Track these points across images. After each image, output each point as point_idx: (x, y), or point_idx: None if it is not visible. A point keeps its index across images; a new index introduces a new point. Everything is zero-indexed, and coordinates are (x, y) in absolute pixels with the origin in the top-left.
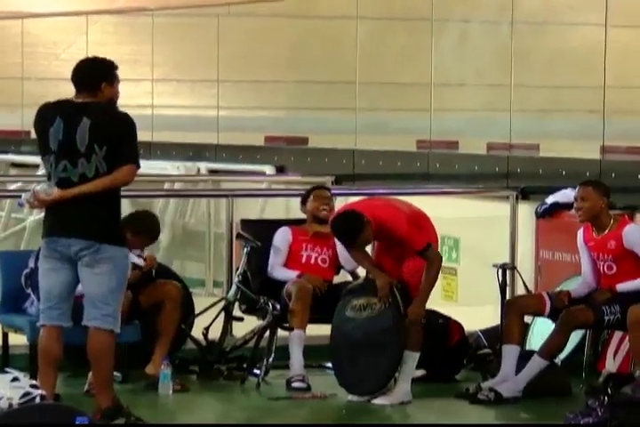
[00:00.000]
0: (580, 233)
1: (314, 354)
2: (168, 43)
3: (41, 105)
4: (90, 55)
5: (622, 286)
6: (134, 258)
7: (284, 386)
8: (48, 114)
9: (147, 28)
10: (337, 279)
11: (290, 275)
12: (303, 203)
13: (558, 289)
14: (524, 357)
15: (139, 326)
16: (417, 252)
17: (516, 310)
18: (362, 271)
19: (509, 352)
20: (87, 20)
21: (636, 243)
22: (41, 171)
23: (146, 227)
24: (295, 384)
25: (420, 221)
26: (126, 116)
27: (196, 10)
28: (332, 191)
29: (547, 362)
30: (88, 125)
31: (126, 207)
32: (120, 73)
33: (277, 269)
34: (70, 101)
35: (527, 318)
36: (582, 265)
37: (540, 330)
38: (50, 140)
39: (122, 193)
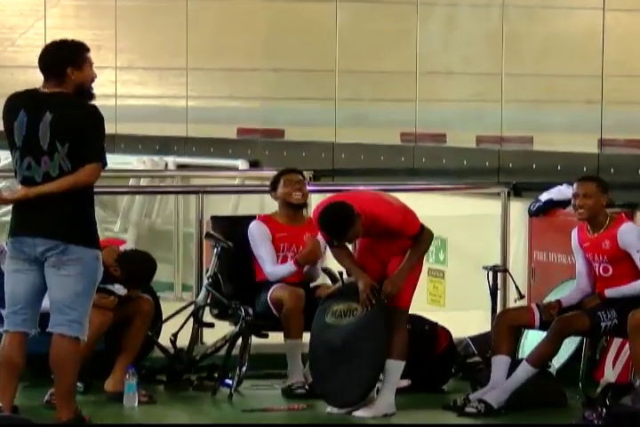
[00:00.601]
0: (574, 233)
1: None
2: (133, 27)
3: (10, 95)
4: (49, 40)
5: (612, 292)
6: (116, 285)
7: (259, 397)
8: (14, 106)
9: (110, 11)
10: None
11: (286, 272)
12: (273, 189)
13: (551, 295)
14: (517, 367)
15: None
16: (413, 236)
17: (504, 323)
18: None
19: (499, 363)
20: (45, 2)
21: (630, 243)
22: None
23: (138, 275)
24: (298, 391)
25: (408, 210)
26: (91, 109)
27: None
28: (310, 188)
29: (535, 370)
30: (49, 121)
31: None
32: None
33: (275, 268)
34: (36, 91)
35: None
36: (577, 268)
37: (534, 339)
38: (14, 134)
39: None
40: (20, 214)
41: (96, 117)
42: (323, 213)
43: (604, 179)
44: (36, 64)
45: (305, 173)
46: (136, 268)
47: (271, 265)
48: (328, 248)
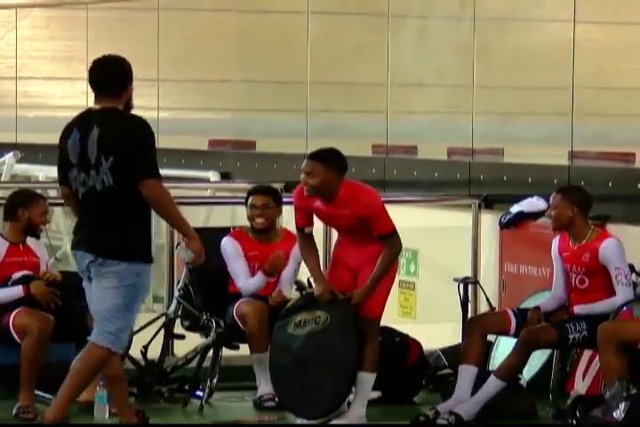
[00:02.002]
0: (555, 242)
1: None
2: (104, 39)
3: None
4: (20, 51)
5: (581, 309)
6: None
7: (230, 409)
8: (68, 126)
9: (81, 22)
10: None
11: (257, 284)
12: (245, 206)
13: (523, 305)
14: (486, 378)
15: (73, 346)
16: (383, 235)
17: (477, 329)
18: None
19: (465, 373)
20: (16, 13)
21: (609, 259)
22: None
23: None
24: (267, 404)
25: (386, 211)
26: (139, 123)
27: (135, 3)
28: (282, 199)
29: (503, 383)
30: (97, 135)
31: (59, 215)
32: (53, 71)
33: (247, 282)
34: (88, 110)
35: (490, 337)
36: (554, 276)
37: (504, 350)
38: (69, 153)
39: (53, 201)
40: (76, 230)
41: (141, 130)
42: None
43: (584, 190)
44: (7, 75)
45: (276, 184)
46: None
47: (243, 280)
48: (302, 262)
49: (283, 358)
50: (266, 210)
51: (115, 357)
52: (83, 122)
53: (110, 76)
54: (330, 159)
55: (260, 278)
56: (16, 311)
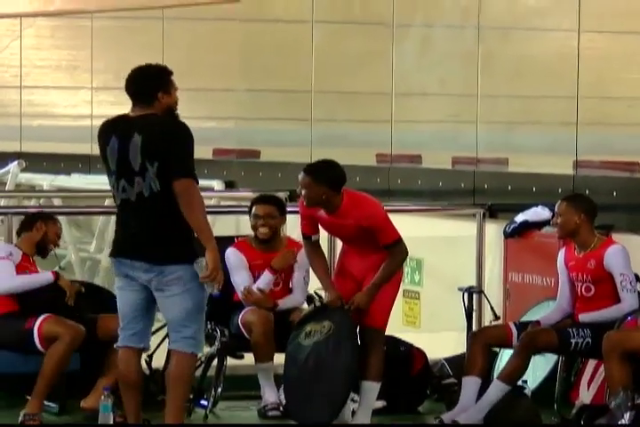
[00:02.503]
0: (561, 253)
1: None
2: (109, 48)
3: (101, 124)
4: (25, 60)
5: (585, 317)
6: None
7: (235, 418)
8: (105, 132)
9: (86, 31)
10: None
11: (268, 277)
12: (249, 215)
13: (526, 316)
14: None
15: (78, 356)
16: (388, 245)
17: (480, 342)
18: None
19: (469, 384)
20: (21, 22)
21: (615, 266)
22: None
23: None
24: (271, 413)
25: (389, 220)
26: (179, 126)
27: (140, 12)
28: (286, 209)
29: (507, 387)
30: (140, 142)
31: (63, 225)
32: (57, 80)
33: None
34: (126, 117)
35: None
36: (560, 288)
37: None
38: (109, 160)
39: (58, 210)
40: (117, 235)
41: (182, 133)
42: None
43: (589, 198)
44: (12, 84)
45: (280, 193)
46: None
47: (244, 286)
48: (310, 270)
49: (292, 368)
50: (269, 219)
51: (136, 363)
52: (120, 128)
53: (140, 85)
54: (319, 173)
55: (266, 277)
56: (44, 317)
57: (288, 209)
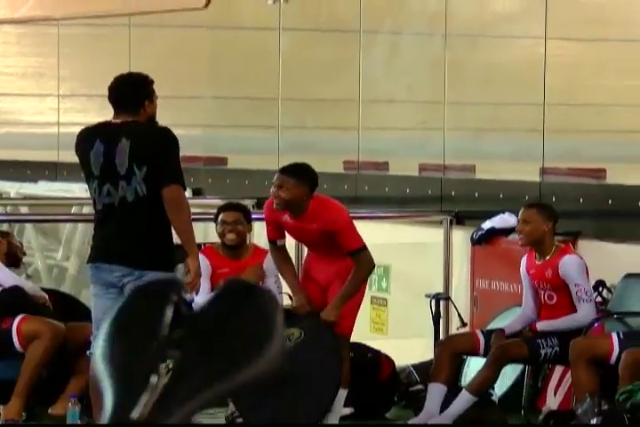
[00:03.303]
0: (523, 260)
1: None
2: (75, 55)
3: (79, 131)
4: None
5: (543, 326)
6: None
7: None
8: (87, 138)
9: (52, 39)
10: None
11: None
12: (216, 222)
13: (494, 322)
14: (457, 395)
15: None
16: (352, 251)
17: (448, 350)
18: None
19: (435, 391)
20: None
21: (569, 276)
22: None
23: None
24: (239, 420)
25: (354, 227)
26: (166, 132)
27: (106, 20)
28: (253, 216)
29: (475, 398)
30: (128, 146)
31: (30, 232)
32: (24, 87)
33: (202, 299)
34: (108, 123)
35: None
36: (523, 295)
37: (476, 366)
38: (92, 164)
39: (25, 217)
40: (97, 240)
41: (170, 139)
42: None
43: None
44: None
45: (248, 201)
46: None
47: (201, 296)
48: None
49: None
50: (237, 226)
51: None
52: (106, 133)
53: (127, 93)
54: (302, 174)
55: None
56: (21, 317)
57: (254, 217)
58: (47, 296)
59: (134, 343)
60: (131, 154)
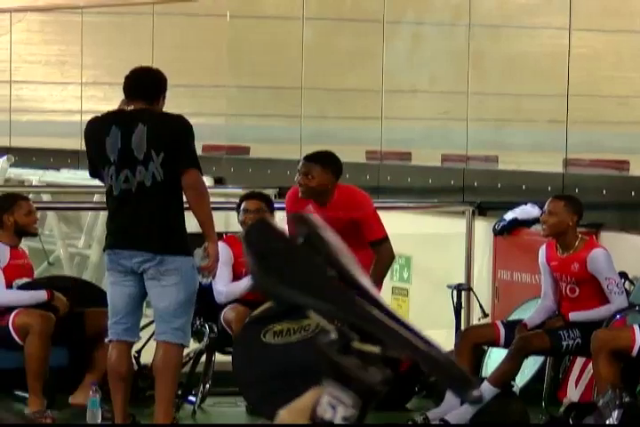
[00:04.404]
0: (542, 250)
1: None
2: (99, 43)
3: (90, 119)
4: (14, 55)
5: (576, 316)
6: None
7: (223, 414)
8: (102, 125)
9: (76, 26)
10: None
11: (242, 287)
12: (238, 211)
13: (515, 314)
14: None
15: (66, 352)
16: (374, 241)
17: (468, 341)
18: None
19: None
20: (11, 17)
21: (599, 270)
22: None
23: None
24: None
25: (379, 217)
26: (182, 118)
27: (130, 8)
28: (275, 205)
29: (497, 390)
30: (145, 131)
31: (52, 220)
32: (46, 75)
33: (230, 285)
34: (123, 111)
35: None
36: (542, 285)
37: (497, 357)
38: (107, 150)
39: (46, 205)
40: (115, 226)
41: (186, 125)
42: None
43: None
44: (1, 79)
45: (270, 190)
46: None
47: (223, 286)
48: None
49: (264, 368)
50: (259, 214)
51: (128, 356)
52: (123, 120)
53: (150, 85)
54: (327, 161)
55: (245, 283)
56: (15, 312)
57: (276, 206)
58: (46, 296)
59: None
60: (148, 139)
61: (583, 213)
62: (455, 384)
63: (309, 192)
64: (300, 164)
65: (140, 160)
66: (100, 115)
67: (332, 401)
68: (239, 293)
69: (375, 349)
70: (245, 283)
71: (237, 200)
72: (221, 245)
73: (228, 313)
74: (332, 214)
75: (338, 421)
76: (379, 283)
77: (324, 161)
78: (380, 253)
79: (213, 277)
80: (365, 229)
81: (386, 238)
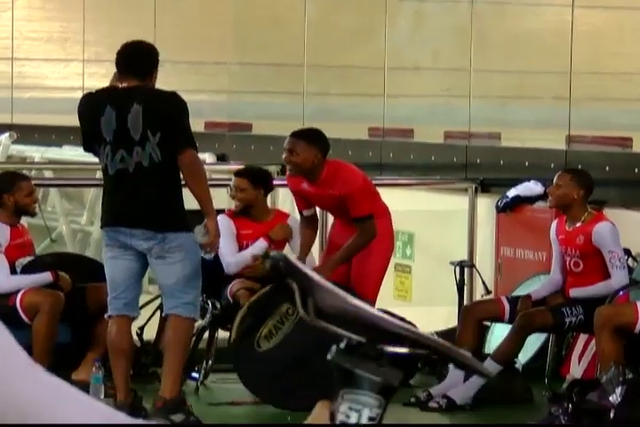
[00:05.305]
0: (553, 224)
1: None
2: (100, 20)
3: (83, 95)
4: (16, 32)
5: (576, 292)
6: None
7: (226, 390)
8: (96, 103)
9: (77, 3)
10: None
11: (261, 245)
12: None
13: (517, 290)
14: (482, 361)
15: (68, 328)
16: (357, 218)
17: (471, 316)
18: None
19: None
20: None
21: (603, 243)
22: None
23: None
24: None
25: (373, 195)
26: (176, 96)
27: None
28: (275, 182)
29: (500, 367)
30: (140, 112)
31: (55, 197)
32: (49, 52)
33: (238, 255)
34: (116, 88)
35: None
36: (553, 259)
37: (500, 333)
38: (102, 130)
39: (49, 182)
40: (112, 205)
41: (182, 103)
42: None
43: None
44: (3, 56)
45: (272, 167)
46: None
47: (231, 257)
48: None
49: (270, 372)
50: (239, 192)
51: (128, 331)
52: (117, 99)
53: (140, 59)
54: (312, 138)
55: (257, 245)
56: (23, 291)
57: (278, 182)
58: (51, 277)
59: None
60: (144, 119)
61: (592, 187)
62: (470, 369)
63: (296, 169)
64: (286, 141)
65: (137, 140)
66: (93, 91)
67: (354, 406)
68: (249, 260)
69: (402, 349)
70: (256, 246)
71: None
72: (223, 218)
73: (234, 287)
74: (324, 192)
75: (364, 421)
76: (343, 258)
77: (309, 138)
78: (360, 230)
79: (215, 252)
80: (350, 205)
81: (369, 217)
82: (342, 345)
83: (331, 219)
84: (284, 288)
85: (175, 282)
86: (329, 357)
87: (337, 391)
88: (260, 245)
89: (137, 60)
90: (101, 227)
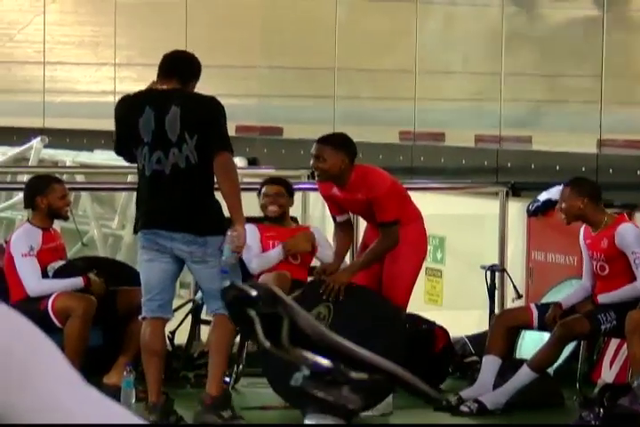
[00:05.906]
0: (581, 230)
1: None
2: (132, 24)
3: (120, 98)
4: (48, 36)
5: (604, 298)
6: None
7: (257, 394)
8: (134, 105)
9: (109, 7)
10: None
11: (273, 255)
12: (259, 196)
13: (549, 295)
14: (513, 366)
15: (100, 332)
16: (382, 223)
17: (502, 324)
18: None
19: (489, 363)
20: None
21: (626, 244)
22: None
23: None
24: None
25: (404, 199)
26: (214, 100)
27: None
28: (304, 186)
29: (535, 375)
30: (178, 113)
31: (86, 201)
32: (80, 56)
33: (262, 255)
34: (155, 90)
35: None
36: (584, 266)
37: (531, 339)
38: (141, 131)
39: (80, 186)
40: (150, 207)
41: (219, 107)
42: None
43: (590, 179)
44: (35, 60)
45: (302, 171)
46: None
47: (253, 256)
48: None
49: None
50: (278, 198)
51: (162, 333)
52: (156, 100)
53: (187, 66)
54: (339, 143)
55: (275, 251)
56: (55, 295)
57: (308, 186)
58: (82, 283)
59: None
60: (182, 121)
61: (596, 191)
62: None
63: (324, 175)
64: (313, 147)
65: (174, 142)
66: (131, 94)
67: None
68: (267, 263)
69: (363, 375)
70: (274, 253)
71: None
72: (248, 227)
73: (262, 279)
74: (351, 196)
75: None
76: (365, 263)
77: (335, 143)
78: (383, 235)
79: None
80: (376, 210)
81: (394, 222)
82: (307, 372)
83: (362, 224)
84: (243, 319)
85: (219, 286)
86: (292, 383)
87: (303, 414)
88: (274, 254)
89: (181, 64)
90: (139, 230)
